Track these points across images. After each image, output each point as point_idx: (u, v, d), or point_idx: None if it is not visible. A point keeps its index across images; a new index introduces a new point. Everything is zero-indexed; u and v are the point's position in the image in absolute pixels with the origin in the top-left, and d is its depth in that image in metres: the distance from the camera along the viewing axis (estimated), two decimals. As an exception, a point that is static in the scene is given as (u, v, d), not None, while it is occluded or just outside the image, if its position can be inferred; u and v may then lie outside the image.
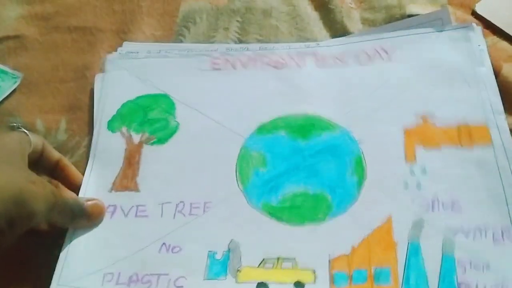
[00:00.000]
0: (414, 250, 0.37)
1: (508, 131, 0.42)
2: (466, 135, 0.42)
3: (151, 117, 0.46)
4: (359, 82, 0.46)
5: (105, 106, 0.47)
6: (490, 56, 0.46)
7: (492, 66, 0.45)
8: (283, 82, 0.47)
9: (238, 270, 0.38)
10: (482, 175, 0.40)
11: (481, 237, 0.37)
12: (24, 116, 0.48)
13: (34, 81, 0.51)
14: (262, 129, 0.45)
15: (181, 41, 0.52)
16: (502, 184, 0.39)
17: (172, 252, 0.39)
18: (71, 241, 0.39)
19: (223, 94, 0.47)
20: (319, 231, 0.39)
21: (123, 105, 0.47)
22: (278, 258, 0.38)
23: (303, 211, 0.40)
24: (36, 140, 0.39)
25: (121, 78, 0.49)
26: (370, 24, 0.52)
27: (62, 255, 0.38)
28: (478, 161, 0.40)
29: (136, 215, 0.41)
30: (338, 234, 0.39)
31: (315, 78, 0.47)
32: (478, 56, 0.46)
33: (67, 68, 0.51)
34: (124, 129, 0.46)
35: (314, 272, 0.37)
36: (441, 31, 0.48)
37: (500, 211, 0.38)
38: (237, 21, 0.53)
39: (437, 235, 0.38)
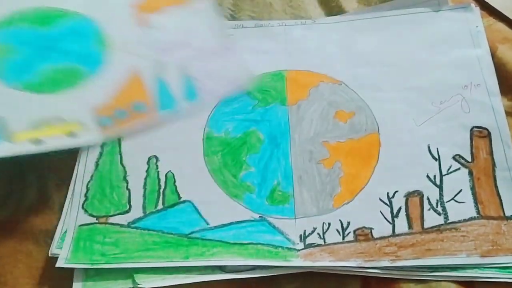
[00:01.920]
0: (161, 83, 0.46)
1: (504, 113, 0.42)
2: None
3: None
4: None
5: None
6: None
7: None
8: None
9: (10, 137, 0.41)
10: (201, 21, 0.50)
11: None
12: None
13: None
14: (1, 25, 0.47)
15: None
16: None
17: None
18: None
19: None
20: (79, 93, 0.45)
21: None
22: (45, 121, 0.42)
23: (59, 82, 0.45)
24: None
25: None
26: (366, 3, 0.52)
27: None
28: (195, 11, 0.50)
29: None
30: (96, 91, 0.45)
31: None
32: (475, 37, 0.46)
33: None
34: None
35: (82, 123, 0.43)
36: (438, 11, 0.49)
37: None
38: None
39: (175, 70, 0.47)
